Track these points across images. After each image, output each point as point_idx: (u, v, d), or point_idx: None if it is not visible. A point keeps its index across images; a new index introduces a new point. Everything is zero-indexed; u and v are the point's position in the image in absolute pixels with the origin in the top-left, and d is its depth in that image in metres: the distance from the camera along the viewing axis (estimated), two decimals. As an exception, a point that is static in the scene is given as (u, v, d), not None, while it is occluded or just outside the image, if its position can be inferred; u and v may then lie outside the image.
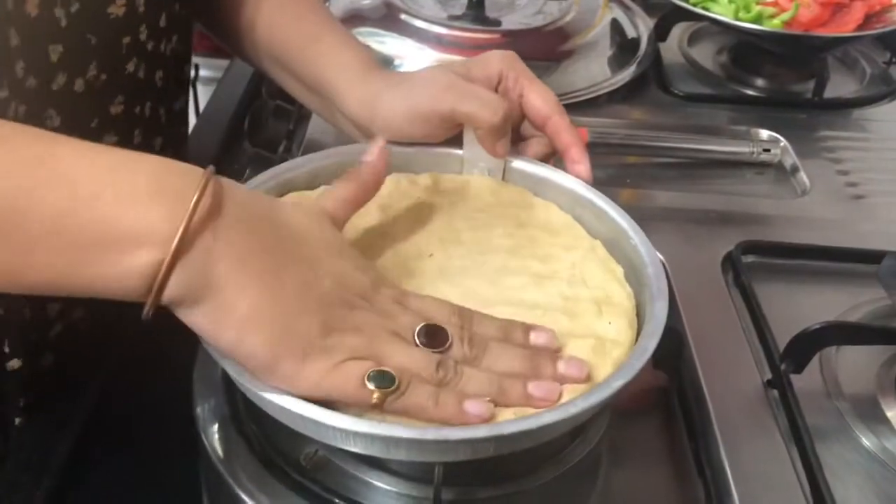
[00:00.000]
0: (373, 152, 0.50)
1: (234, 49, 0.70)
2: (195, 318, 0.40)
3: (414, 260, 0.51)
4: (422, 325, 0.43)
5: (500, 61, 0.57)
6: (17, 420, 0.59)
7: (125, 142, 0.60)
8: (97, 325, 0.61)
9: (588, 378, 0.44)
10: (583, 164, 0.55)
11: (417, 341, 0.43)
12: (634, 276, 0.50)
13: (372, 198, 0.50)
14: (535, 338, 0.46)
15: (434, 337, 0.43)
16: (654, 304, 0.47)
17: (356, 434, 0.41)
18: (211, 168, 0.41)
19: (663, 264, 0.51)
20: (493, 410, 0.42)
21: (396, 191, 0.57)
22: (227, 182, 0.42)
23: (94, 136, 0.58)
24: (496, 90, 0.57)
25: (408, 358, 0.42)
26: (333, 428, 0.41)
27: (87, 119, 0.56)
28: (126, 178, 0.39)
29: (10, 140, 0.39)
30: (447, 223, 0.55)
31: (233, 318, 0.40)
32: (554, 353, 0.45)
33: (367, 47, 0.63)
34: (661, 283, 0.47)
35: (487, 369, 0.43)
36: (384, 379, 0.40)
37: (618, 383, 0.43)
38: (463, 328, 0.44)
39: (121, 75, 0.57)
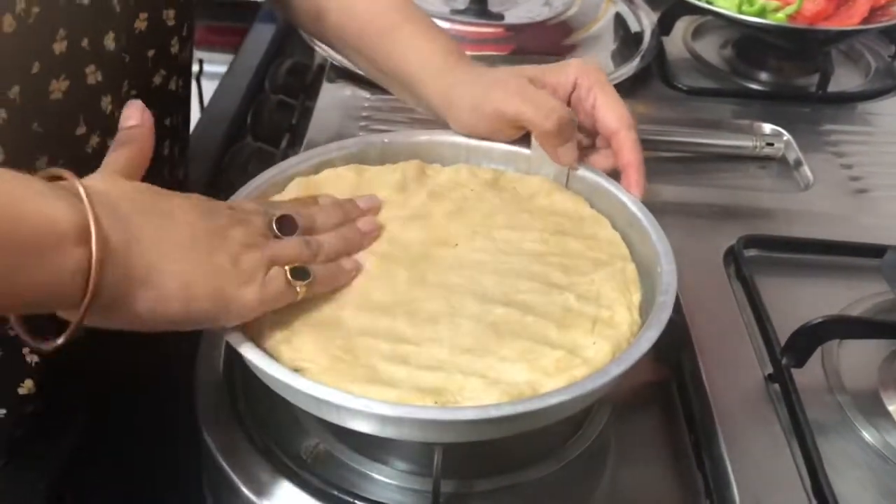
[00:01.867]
0: (130, 116, 0.49)
1: (304, 30, 0.70)
2: (136, 311, 0.42)
3: (437, 246, 0.52)
4: (275, 218, 0.49)
5: (576, 70, 0.58)
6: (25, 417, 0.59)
7: (155, 154, 0.61)
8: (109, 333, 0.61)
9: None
10: (635, 187, 0.56)
11: (276, 233, 0.48)
12: (647, 304, 0.50)
13: (149, 157, 0.49)
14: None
15: (288, 224, 0.49)
16: (644, 332, 0.46)
17: (347, 410, 0.43)
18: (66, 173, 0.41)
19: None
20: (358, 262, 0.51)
21: (453, 179, 0.58)
22: (85, 181, 0.42)
23: None
24: (570, 98, 0.58)
25: (292, 248, 0.48)
26: (336, 406, 0.42)
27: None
28: (23, 185, 0.39)
29: None
30: (487, 218, 0.56)
31: (174, 294, 0.42)
32: (350, 199, 0.54)
33: (447, 35, 0.63)
34: (664, 315, 0.47)
35: (326, 229, 0.51)
36: (301, 272, 0.47)
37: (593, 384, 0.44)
38: (294, 209, 0.51)
39: (148, 88, 0.57)
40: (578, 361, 0.45)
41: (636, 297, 0.50)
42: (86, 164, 0.46)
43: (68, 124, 0.51)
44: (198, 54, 0.72)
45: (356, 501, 0.49)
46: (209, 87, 1.00)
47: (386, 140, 0.60)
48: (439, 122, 0.61)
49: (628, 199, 0.56)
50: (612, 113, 0.57)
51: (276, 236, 0.48)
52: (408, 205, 0.55)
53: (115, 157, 0.47)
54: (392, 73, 0.63)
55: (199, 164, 0.79)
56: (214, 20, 1.30)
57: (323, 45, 0.80)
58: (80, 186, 0.40)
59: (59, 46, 0.48)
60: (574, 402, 0.44)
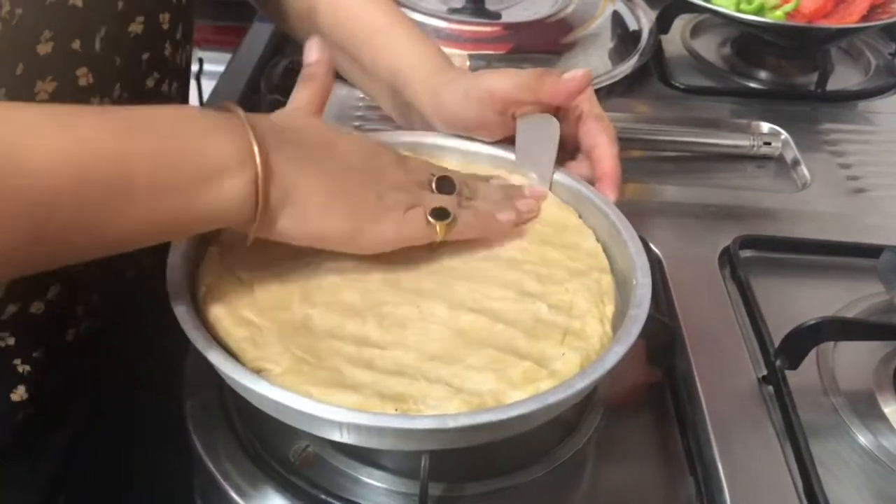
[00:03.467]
0: (311, 52, 0.54)
1: (287, 29, 0.70)
2: (284, 224, 0.45)
3: (413, 249, 0.51)
4: (435, 176, 0.53)
5: None
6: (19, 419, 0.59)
7: None
8: (105, 332, 0.61)
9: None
10: (609, 196, 0.57)
11: (434, 189, 0.52)
12: (621, 317, 0.49)
13: (331, 91, 0.53)
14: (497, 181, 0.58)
15: (446, 185, 0.53)
16: (613, 346, 0.46)
17: (341, 424, 0.42)
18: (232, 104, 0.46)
19: (662, 265, 0.51)
20: (514, 217, 0.53)
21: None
22: (249, 113, 0.46)
23: None
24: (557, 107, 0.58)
25: (441, 200, 0.51)
26: (321, 419, 0.41)
27: None
28: (190, 122, 0.44)
29: (86, 129, 0.41)
30: None
31: (313, 212, 0.46)
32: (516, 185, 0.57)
33: (436, 44, 0.64)
34: (634, 329, 0.46)
35: (483, 199, 0.54)
36: (443, 214, 0.50)
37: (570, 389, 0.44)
38: (457, 176, 0.54)
39: (141, 91, 0.57)
40: (545, 373, 0.44)
41: (609, 309, 0.49)
42: None
43: None
44: (198, 53, 0.72)
45: (341, 504, 0.49)
46: (209, 86, 0.99)
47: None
48: (424, 127, 0.61)
49: (610, 209, 0.55)
50: (596, 124, 0.57)
51: (431, 191, 0.52)
52: None
53: (298, 96, 0.52)
54: (378, 72, 0.62)
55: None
56: (215, 19, 1.30)
57: None
58: (243, 115, 0.44)
59: (45, 48, 0.48)
60: (536, 415, 0.43)
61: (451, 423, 0.41)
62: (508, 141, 0.59)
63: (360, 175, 0.49)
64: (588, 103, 0.58)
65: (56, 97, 0.49)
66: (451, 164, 0.59)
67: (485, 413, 0.42)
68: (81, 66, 0.50)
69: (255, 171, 0.43)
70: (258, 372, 0.43)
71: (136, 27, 0.54)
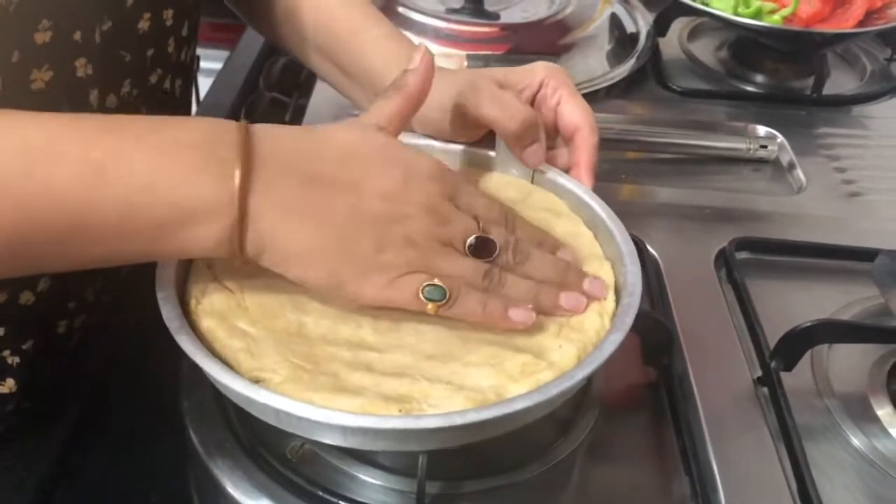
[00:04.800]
0: (415, 60, 0.49)
1: (267, 33, 0.70)
2: (265, 264, 0.44)
3: None
4: (473, 237, 0.46)
5: (544, 70, 0.58)
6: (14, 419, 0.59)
7: None
8: (102, 328, 0.61)
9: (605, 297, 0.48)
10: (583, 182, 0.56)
11: (467, 250, 0.46)
12: (616, 302, 0.50)
13: (420, 107, 0.49)
14: (563, 254, 0.50)
15: (483, 248, 0.47)
16: (609, 335, 0.46)
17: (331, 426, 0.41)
18: (243, 123, 0.43)
19: (658, 267, 0.50)
20: (534, 317, 0.45)
21: None
22: (259, 131, 0.44)
23: None
24: (535, 98, 0.58)
25: (458, 268, 0.45)
26: (308, 420, 0.41)
27: None
28: (170, 164, 0.41)
29: (57, 143, 0.40)
30: None
31: (293, 259, 0.43)
32: (580, 270, 0.49)
33: (413, 43, 0.63)
34: (628, 318, 0.46)
35: (526, 276, 0.47)
36: (437, 292, 0.44)
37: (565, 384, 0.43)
38: (509, 235, 0.48)
39: (145, 87, 0.57)
40: (544, 365, 0.44)
41: (609, 305, 0.49)
42: None
43: None
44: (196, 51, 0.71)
45: (341, 502, 0.49)
46: (205, 84, 0.99)
47: None
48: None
49: (592, 200, 0.55)
50: (575, 111, 0.57)
51: (459, 251, 0.46)
52: None
53: (380, 106, 0.48)
54: (357, 73, 0.62)
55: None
56: (213, 16, 1.30)
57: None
58: (240, 143, 0.42)
59: (42, 37, 0.47)
60: (539, 407, 0.43)
61: (459, 420, 0.41)
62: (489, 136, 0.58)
63: (367, 221, 0.44)
64: (566, 89, 0.57)
65: (52, 87, 0.49)
66: None
67: (491, 408, 0.42)
68: (80, 56, 0.50)
69: (233, 217, 0.41)
70: (256, 382, 0.43)
71: (143, 24, 0.54)
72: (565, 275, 0.48)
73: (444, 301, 0.44)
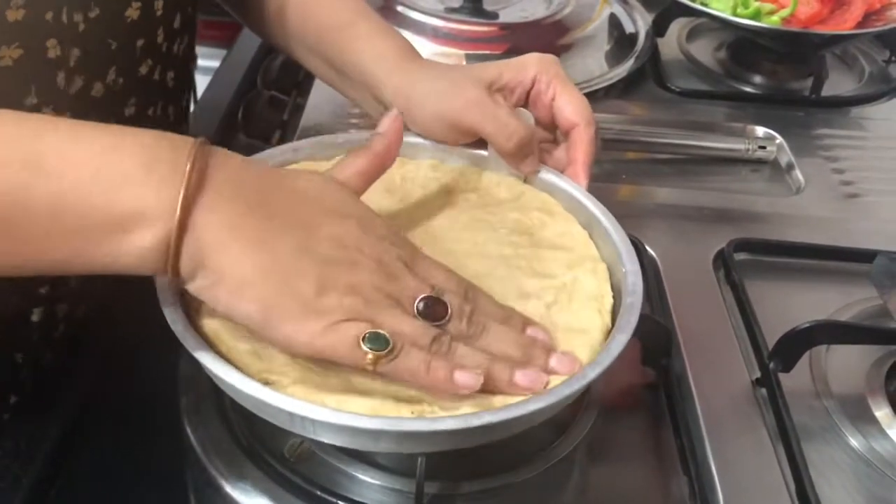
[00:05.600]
0: (384, 124, 0.50)
1: (261, 32, 0.69)
2: (196, 286, 0.41)
3: None
4: (422, 296, 0.43)
5: (536, 64, 0.57)
6: (6, 416, 0.59)
7: None
8: (95, 323, 0.61)
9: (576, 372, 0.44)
10: (581, 181, 0.56)
11: (416, 311, 0.43)
12: (617, 301, 0.50)
13: (386, 169, 0.49)
14: (533, 331, 0.46)
15: (432, 310, 0.43)
16: (614, 336, 0.46)
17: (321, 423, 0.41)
18: (200, 140, 0.41)
19: (657, 267, 0.50)
20: (481, 382, 0.42)
21: (416, 177, 0.57)
22: (218, 152, 0.42)
23: None
24: (528, 94, 0.57)
25: (404, 326, 0.42)
26: (295, 416, 0.41)
27: (103, 122, 0.56)
28: (117, 159, 0.39)
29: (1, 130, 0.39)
30: (453, 219, 0.55)
31: (225, 286, 0.40)
32: (548, 347, 0.46)
33: (401, 34, 0.63)
34: (633, 317, 0.46)
35: (481, 349, 0.44)
36: (379, 341, 0.41)
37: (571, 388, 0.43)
38: (465, 303, 0.44)
39: (134, 77, 0.57)
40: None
41: (608, 300, 0.49)
42: None
43: (17, 93, 0.49)
44: (193, 49, 0.71)
45: (339, 501, 0.49)
46: (202, 82, 0.99)
47: (339, 141, 0.58)
48: None
49: (587, 199, 0.55)
50: (570, 107, 0.56)
51: (407, 311, 0.43)
52: (368, 203, 0.54)
53: (346, 163, 0.47)
54: (350, 70, 0.62)
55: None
56: (209, 14, 1.30)
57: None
58: (191, 158, 0.39)
59: (14, 15, 0.46)
60: (551, 408, 0.43)
61: (476, 422, 0.41)
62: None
63: (313, 260, 0.41)
64: (561, 84, 0.57)
65: (21, 65, 0.48)
66: (424, 161, 0.59)
67: (506, 410, 0.41)
68: (51, 37, 0.49)
69: (171, 227, 0.39)
70: (266, 384, 0.42)
71: (132, 12, 0.54)
72: (528, 350, 0.44)
73: (385, 352, 0.41)
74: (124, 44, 0.54)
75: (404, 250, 0.45)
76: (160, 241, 0.39)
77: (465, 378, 0.42)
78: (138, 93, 0.57)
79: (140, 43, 0.56)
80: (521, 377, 0.43)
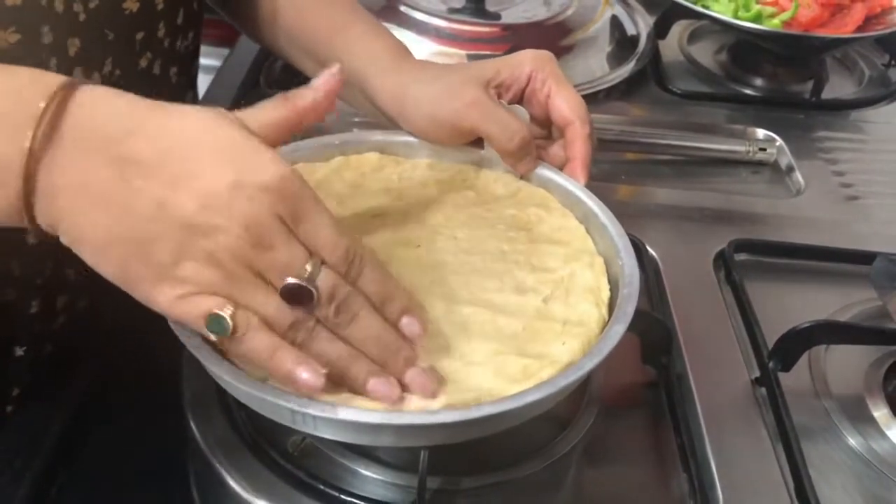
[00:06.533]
0: (318, 80, 0.44)
1: (254, 36, 0.69)
2: (64, 242, 0.39)
3: (400, 247, 0.52)
4: (287, 282, 0.39)
5: (531, 62, 0.57)
6: (9, 408, 0.59)
7: None
8: (98, 316, 0.61)
9: (434, 397, 0.42)
10: (579, 179, 0.56)
11: (277, 287, 0.40)
12: (614, 294, 0.50)
13: (308, 123, 0.44)
14: (407, 323, 0.43)
15: (295, 296, 0.39)
16: (611, 326, 0.46)
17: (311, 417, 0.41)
18: (67, 80, 0.38)
19: (657, 267, 0.50)
20: (322, 383, 0.40)
21: (413, 176, 0.58)
22: (84, 91, 0.39)
23: None
24: (524, 91, 0.57)
25: (264, 305, 0.39)
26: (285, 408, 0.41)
27: None
28: None
29: None
30: (450, 216, 0.55)
31: (84, 247, 0.39)
32: (412, 353, 0.43)
33: (394, 35, 0.63)
34: (629, 308, 0.47)
35: (343, 339, 0.41)
36: (219, 324, 0.39)
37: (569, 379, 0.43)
38: (339, 284, 0.40)
39: (134, 70, 0.57)
40: (547, 363, 0.45)
41: (605, 293, 0.50)
42: None
43: None
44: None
45: (342, 496, 0.49)
46: (205, 81, 0.99)
47: (337, 142, 0.58)
48: (391, 125, 0.60)
49: (584, 194, 0.55)
50: (565, 104, 0.56)
51: (271, 287, 0.40)
52: (368, 201, 0.55)
53: (262, 108, 0.42)
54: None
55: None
56: (212, 13, 1.30)
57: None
58: (41, 116, 0.37)
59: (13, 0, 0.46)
60: (548, 399, 0.43)
61: (476, 414, 0.41)
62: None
63: (172, 225, 0.38)
64: (554, 80, 0.57)
65: (17, 49, 0.48)
66: (421, 160, 0.59)
67: (505, 402, 0.42)
68: (46, 24, 0.49)
69: (17, 186, 0.37)
70: (265, 381, 0.42)
71: (131, 4, 0.54)
72: (388, 354, 0.42)
73: (221, 333, 0.39)
74: (122, 36, 0.54)
75: (288, 202, 0.39)
76: (14, 198, 0.37)
77: (306, 377, 0.40)
78: (139, 86, 0.57)
79: (140, 36, 0.56)
80: (373, 385, 0.41)
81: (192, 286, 0.39)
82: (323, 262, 0.40)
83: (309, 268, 0.39)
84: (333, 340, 0.41)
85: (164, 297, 0.39)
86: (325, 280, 0.40)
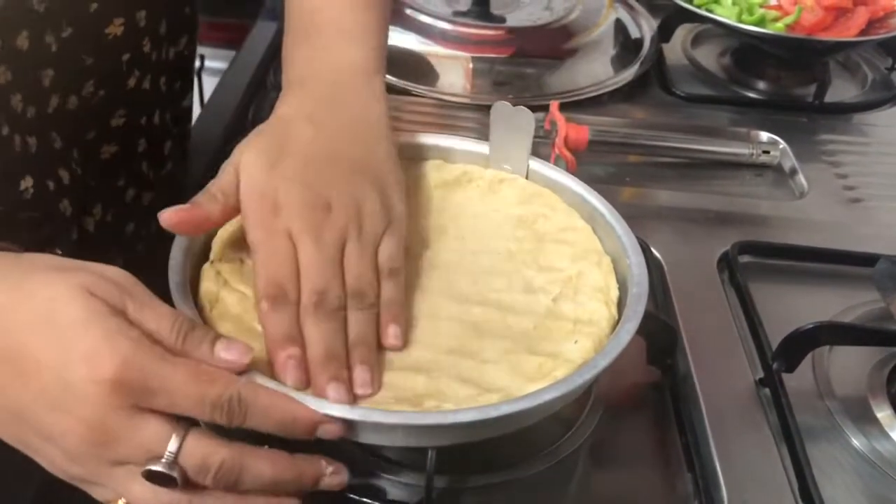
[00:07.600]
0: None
1: None
2: None
3: (407, 248, 0.52)
4: (147, 469, 0.38)
5: None
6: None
7: (128, 150, 0.60)
8: None
9: None
10: None
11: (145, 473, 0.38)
12: (622, 293, 0.51)
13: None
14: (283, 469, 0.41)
15: (161, 482, 0.38)
16: (623, 325, 0.47)
17: None
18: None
19: (662, 269, 0.49)
20: None
21: (420, 176, 0.58)
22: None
23: (92, 147, 0.58)
24: None
25: (130, 494, 0.39)
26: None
27: (84, 132, 0.56)
28: None
29: None
30: (457, 216, 0.55)
31: None
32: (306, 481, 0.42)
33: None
34: (640, 306, 0.47)
35: (234, 489, 0.40)
36: None
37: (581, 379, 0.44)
38: (210, 448, 0.39)
39: (121, 90, 0.56)
40: (561, 361, 0.45)
41: (614, 292, 0.50)
42: None
43: None
44: (200, 50, 0.72)
45: (349, 494, 0.50)
46: (210, 83, 1.00)
47: None
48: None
49: (590, 194, 0.55)
50: None
51: (134, 470, 0.38)
52: None
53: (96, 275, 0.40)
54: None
55: (199, 160, 0.79)
56: (216, 16, 1.31)
57: None
58: None
59: None
60: (563, 398, 0.44)
61: (494, 413, 0.41)
62: (483, 134, 0.59)
63: (27, 431, 0.38)
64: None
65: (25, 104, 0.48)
66: (428, 161, 0.59)
67: (519, 401, 0.42)
68: (48, 68, 0.49)
69: None
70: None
71: (114, 29, 0.53)
72: (302, 471, 0.41)
73: None
74: (106, 60, 0.54)
75: (138, 387, 0.37)
76: None
77: None
78: (127, 104, 0.57)
79: (126, 57, 0.55)
80: None
81: (66, 476, 0.39)
82: (191, 427, 0.38)
83: (171, 447, 0.38)
84: (223, 497, 0.40)
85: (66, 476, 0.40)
86: (191, 454, 0.38)
